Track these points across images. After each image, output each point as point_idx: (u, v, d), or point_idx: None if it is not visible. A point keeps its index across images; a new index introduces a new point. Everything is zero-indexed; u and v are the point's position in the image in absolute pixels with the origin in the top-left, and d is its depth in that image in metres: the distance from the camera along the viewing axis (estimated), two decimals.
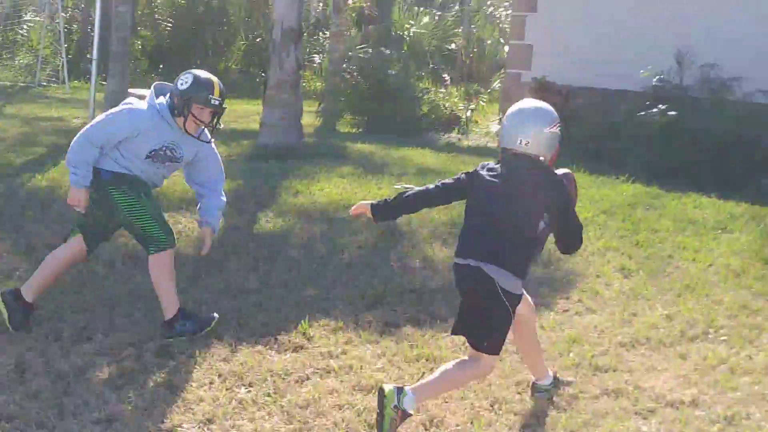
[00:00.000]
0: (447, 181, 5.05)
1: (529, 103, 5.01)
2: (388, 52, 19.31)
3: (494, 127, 16.98)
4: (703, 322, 6.34)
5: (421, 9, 26.47)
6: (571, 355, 5.73)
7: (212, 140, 6.09)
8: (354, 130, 17.38)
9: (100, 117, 5.87)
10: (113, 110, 5.87)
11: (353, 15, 24.86)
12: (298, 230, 8.39)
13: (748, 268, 7.60)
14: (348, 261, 7.61)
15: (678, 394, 5.17)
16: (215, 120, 5.89)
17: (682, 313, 6.51)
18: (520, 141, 4.81)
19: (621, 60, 14.45)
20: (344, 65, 18.73)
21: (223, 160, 6.32)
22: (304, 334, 5.95)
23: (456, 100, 19.35)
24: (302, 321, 6.08)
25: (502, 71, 20.16)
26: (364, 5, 25.34)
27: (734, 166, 11.86)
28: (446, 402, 5.02)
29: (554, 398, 5.09)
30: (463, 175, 5.00)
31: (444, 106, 18.10)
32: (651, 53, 13.76)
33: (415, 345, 5.82)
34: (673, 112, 12.45)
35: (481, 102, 19.64)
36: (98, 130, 5.72)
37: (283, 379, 5.25)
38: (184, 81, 5.73)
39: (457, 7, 30.37)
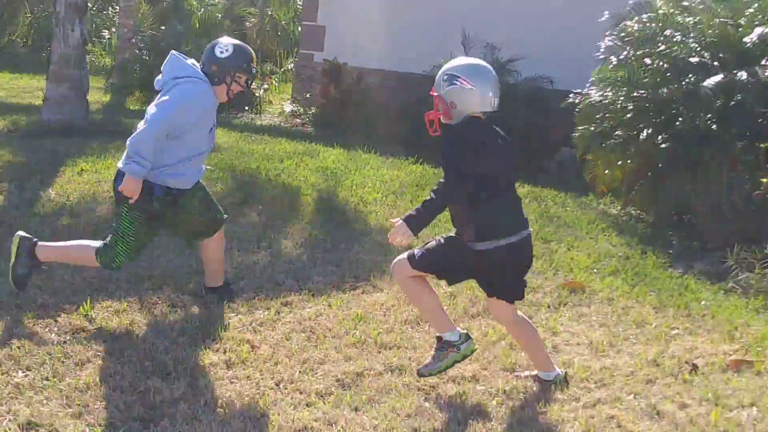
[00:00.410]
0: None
1: (478, 61, 5.12)
2: (179, 27, 18.90)
3: (287, 107, 16.95)
4: (484, 300, 6.51)
5: None
6: (356, 332, 5.78)
7: None
8: (144, 107, 16.89)
9: (165, 106, 5.59)
10: (172, 95, 5.62)
11: None
12: (83, 209, 8.14)
13: None
14: None
15: (459, 369, 5.29)
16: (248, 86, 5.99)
17: (465, 291, 6.66)
18: (494, 102, 4.95)
19: (411, 42, 14.71)
20: (133, 40, 18.26)
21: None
22: (86, 315, 5.77)
23: None
24: (84, 302, 5.90)
25: (296, 52, 20.16)
26: None
27: (520, 149, 12.27)
28: (232, 383, 4.98)
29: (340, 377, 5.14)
30: None
31: None
32: (439, 36, 14.05)
33: (202, 326, 5.74)
34: None
35: (273, 82, 19.56)
36: (171, 118, 5.55)
37: (63, 362, 5.09)
38: (223, 49, 5.77)
39: None
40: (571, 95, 10.21)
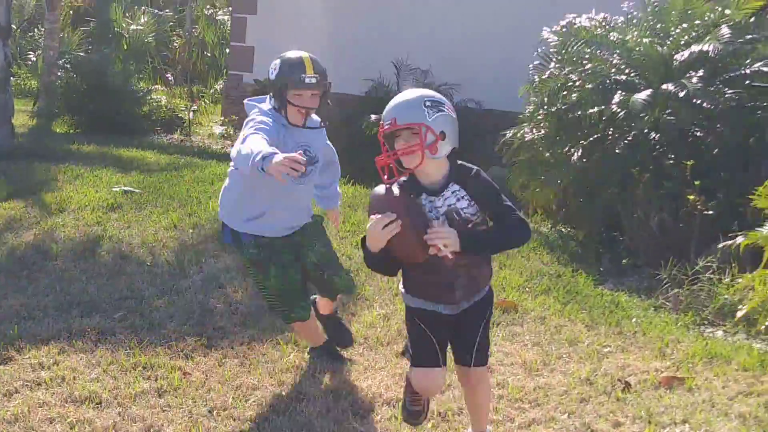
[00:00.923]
0: None
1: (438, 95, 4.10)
2: (106, 50, 18.70)
3: (217, 129, 16.85)
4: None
5: (142, 8, 25.89)
6: (290, 357, 5.73)
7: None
8: (72, 131, 16.75)
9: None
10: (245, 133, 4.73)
11: (70, 12, 24.01)
12: (9, 237, 7.99)
13: None
14: (61, 267, 7.32)
15: (394, 392, 5.27)
16: (322, 101, 5.09)
17: (398, 312, 6.64)
18: None
19: (342, 64, 14.68)
20: (60, 63, 18.02)
21: None
22: (13, 345, 5.65)
23: (179, 100, 19.06)
24: (11, 331, 5.78)
25: (226, 73, 20.09)
26: (80, 3, 24.55)
27: None
28: (164, 410, 4.91)
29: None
30: None
31: (166, 106, 17.79)
32: (372, 59, 14.09)
33: (132, 353, 5.65)
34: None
35: (203, 103, 19.45)
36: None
37: None
38: (273, 67, 4.99)
39: (177, 8, 29.92)
40: (503, 134, 10.32)
